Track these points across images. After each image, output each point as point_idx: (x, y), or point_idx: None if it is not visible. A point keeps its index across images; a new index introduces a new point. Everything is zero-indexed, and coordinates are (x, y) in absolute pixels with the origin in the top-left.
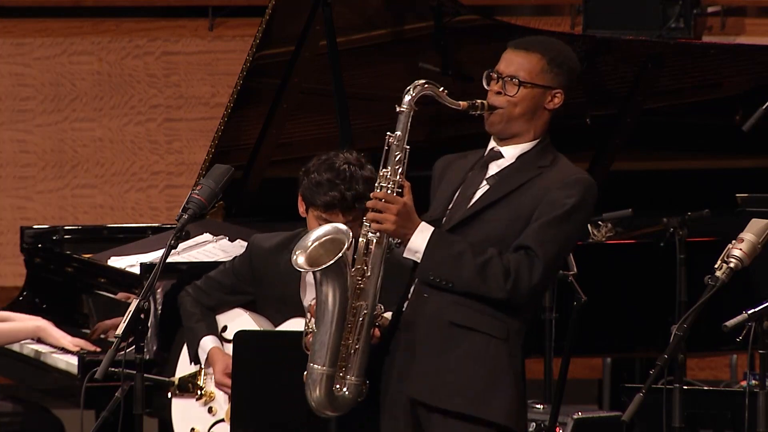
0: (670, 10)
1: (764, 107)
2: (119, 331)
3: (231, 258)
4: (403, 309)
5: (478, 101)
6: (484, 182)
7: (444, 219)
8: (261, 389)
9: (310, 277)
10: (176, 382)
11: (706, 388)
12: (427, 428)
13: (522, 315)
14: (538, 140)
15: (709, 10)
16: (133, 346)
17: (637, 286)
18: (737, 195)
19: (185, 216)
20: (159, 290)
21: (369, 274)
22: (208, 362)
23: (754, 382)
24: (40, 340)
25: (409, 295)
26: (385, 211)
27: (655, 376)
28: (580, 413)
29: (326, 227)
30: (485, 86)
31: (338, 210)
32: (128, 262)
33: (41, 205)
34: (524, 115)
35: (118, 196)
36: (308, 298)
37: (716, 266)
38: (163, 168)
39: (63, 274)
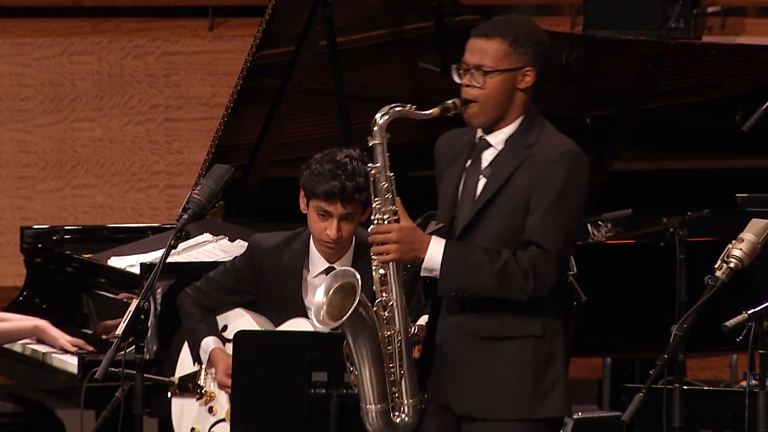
0: (670, 10)
1: (764, 107)
2: (119, 331)
3: (231, 258)
4: (435, 321)
5: (449, 102)
6: (481, 176)
7: (454, 221)
8: (261, 389)
9: (310, 278)
10: (176, 381)
11: (706, 388)
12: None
13: (552, 301)
14: (521, 119)
15: (709, 10)
16: (133, 346)
17: (637, 286)
18: (737, 195)
19: (185, 216)
20: (159, 290)
21: (391, 302)
22: (210, 362)
23: (754, 382)
24: (39, 340)
25: (437, 309)
26: (385, 242)
27: (655, 376)
28: (580, 413)
29: (329, 278)
30: (456, 80)
31: (338, 200)
32: (128, 262)
33: (41, 205)
34: (499, 102)
35: (118, 196)
36: (309, 298)
37: (716, 266)
38: (163, 168)
39: (63, 274)
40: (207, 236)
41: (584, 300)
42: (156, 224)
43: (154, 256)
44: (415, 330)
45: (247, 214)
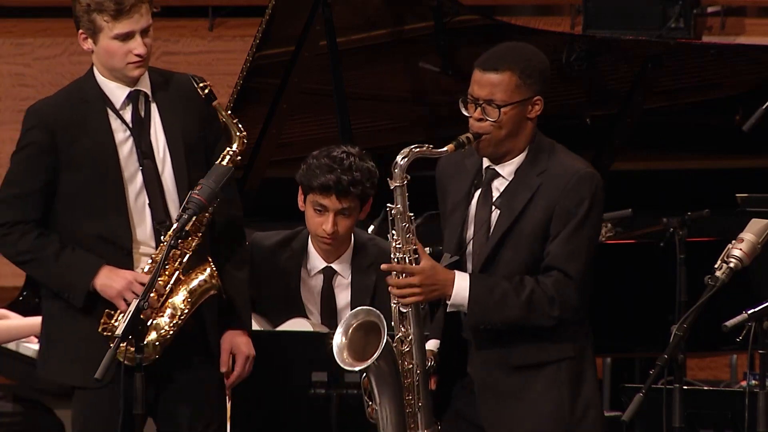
0: (670, 10)
1: (764, 107)
2: (119, 331)
3: None
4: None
5: (462, 137)
6: (494, 209)
7: (468, 254)
8: (261, 389)
9: (310, 277)
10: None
11: (706, 388)
12: None
13: (579, 322)
14: (528, 148)
15: (709, 10)
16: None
17: (637, 286)
18: (737, 195)
19: (185, 216)
20: None
21: (410, 336)
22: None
23: (754, 382)
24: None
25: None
26: (407, 285)
27: (655, 376)
28: None
29: (345, 319)
30: (463, 112)
31: (333, 193)
32: None
33: None
34: (510, 134)
35: None
36: (306, 296)
37: (716, 266)
38: None
39: None
40: None
41: None
42: None
43: None
44: (432, 362)
45: (247, 214)
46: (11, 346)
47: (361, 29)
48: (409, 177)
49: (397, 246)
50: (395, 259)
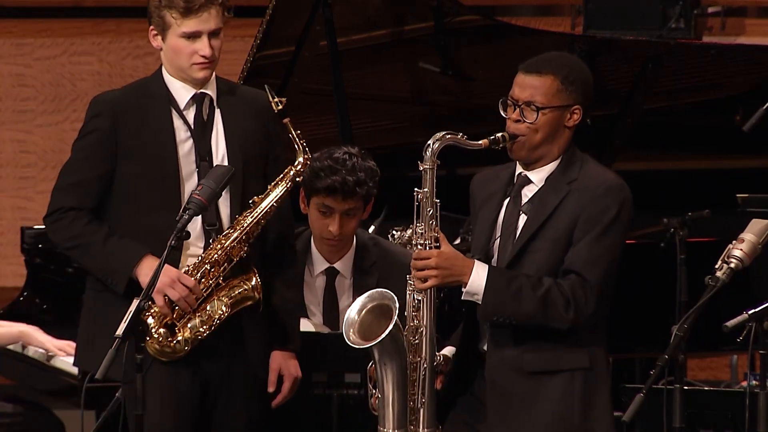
0: (671, 10)
1: (764, 107)
2: (119, 331)
3: None
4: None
5: (498, 135)
6: (521, 214)
7: (493, 257)
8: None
9: (310, 278)
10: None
11: (706, 388)
12: None
13: (597, 333)
14: (562, 157)
15: (710, 10)
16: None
17: (637, 287)
18: (738, 195)
19: (185, 216)
20: None
21: (421, 329)
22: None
23: (754, 382)
24: (23, 346)
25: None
26: (425, 267)
27: (655, 376)
28: None
29: (364, 297)
30: (502, 113)
31: (339, 194)
32: None
33: (42, 206)
34: (546, 139)
35: None
36: (309, 298)
37: (717, 266)
38: None
39: (63, 275)
40: None
41: None
42: None
43: None
44: (440, 359)
45: None
46: (12, 347)
47: (361, 29)
48: (439, 162)
49: (420, 231)
50: (416, 245)
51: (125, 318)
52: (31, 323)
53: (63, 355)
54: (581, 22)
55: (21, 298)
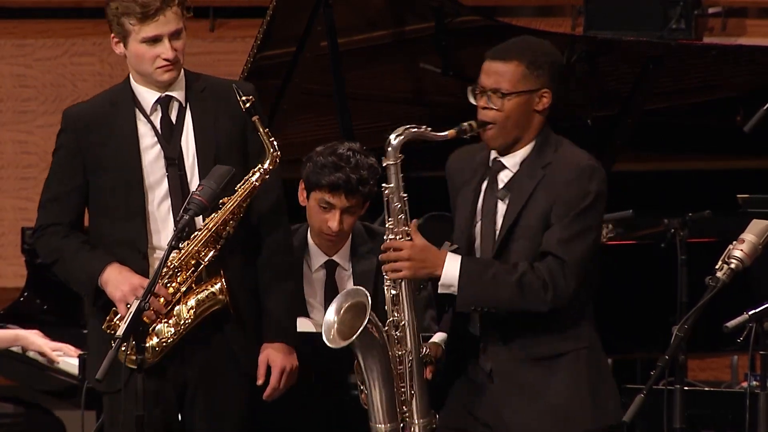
0: (671, 11)
1: (765, 108)
2: (120, 331)
3: None
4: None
5: (465, 124)
6: (499, 202)
7: (477, 248)
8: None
9: (310, 272)
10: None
11: (707, 389)
12: None
13: (590, 313)
14: (535, 140)
15: (710, 11)
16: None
17: (638, 287)
18: (738, 196)
19: (186, 216)
20: None
21: (403, 322)
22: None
23: (755, 383)
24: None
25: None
26: (397, 259)
27: (656, 377)
28: None
29: (340, 296)
30: (472, 102)
31: (342, 191)
32: None
33: None
34: (517, 124)
35: None
36: (309, 293)
37: (717, 267)
38: None
39: None
40: None
41: None
42: None
43: None
44: (427, 350)
45: None
46: (13, 348)
47: (362, 30)
48: (402, 156)
49: (391, 227)
50: (388, 240)
51: (125, 319)
52: (31, 324)
53: (59, 360)
54: (582, 23)
55: (22, 299)
